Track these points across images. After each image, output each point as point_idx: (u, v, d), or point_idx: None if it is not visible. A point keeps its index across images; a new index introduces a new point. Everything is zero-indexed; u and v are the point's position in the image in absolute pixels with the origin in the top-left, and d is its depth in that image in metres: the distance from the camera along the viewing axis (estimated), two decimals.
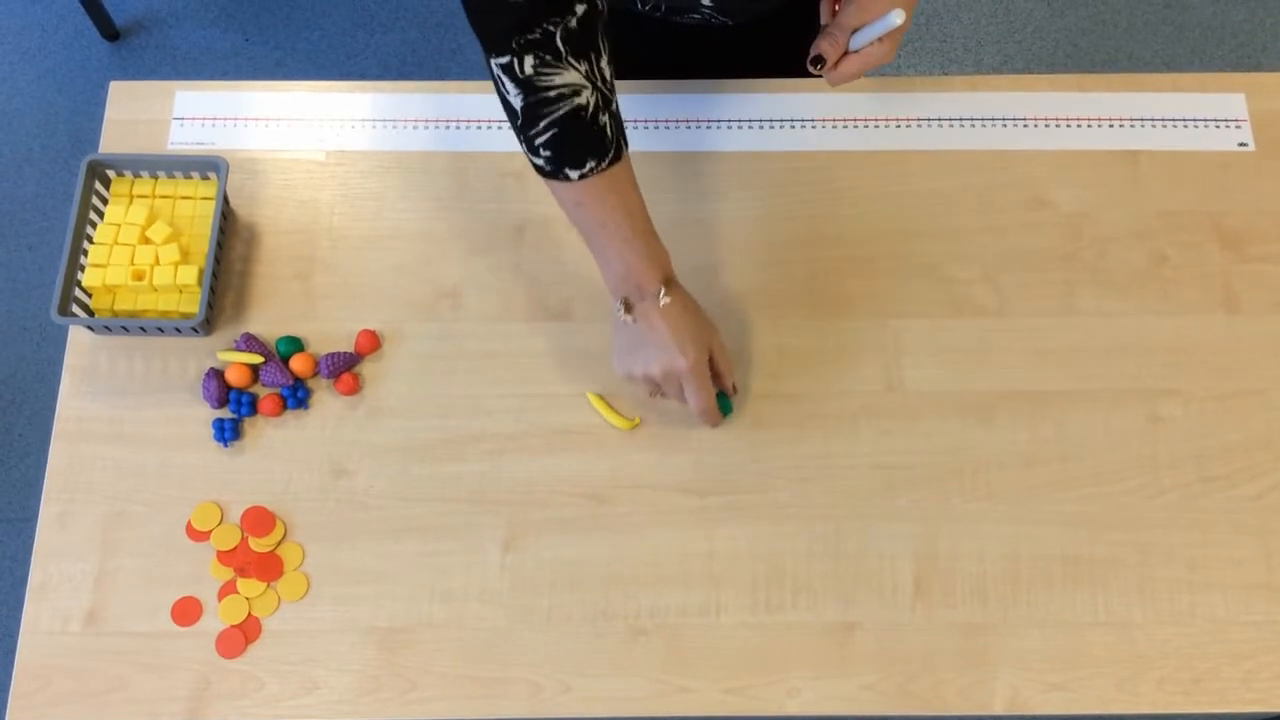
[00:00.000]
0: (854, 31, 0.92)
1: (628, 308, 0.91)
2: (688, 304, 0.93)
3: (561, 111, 0.82)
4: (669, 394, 0.95)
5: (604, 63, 0.84)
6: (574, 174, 0.85)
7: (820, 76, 0.95)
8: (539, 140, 0.84)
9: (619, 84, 0.87)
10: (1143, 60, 2.14)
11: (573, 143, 0.84)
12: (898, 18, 0.87)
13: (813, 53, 0.93)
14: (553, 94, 0.82)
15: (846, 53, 0.94)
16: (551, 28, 0.80)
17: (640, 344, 0.92)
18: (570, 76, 0.82)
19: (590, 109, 0.83)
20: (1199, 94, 1.13)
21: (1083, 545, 0.96)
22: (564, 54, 0.81)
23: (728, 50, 1.15)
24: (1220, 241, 1.07)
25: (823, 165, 1.09)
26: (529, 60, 0.80)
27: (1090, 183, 1.09)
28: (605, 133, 0.85)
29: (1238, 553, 0.96)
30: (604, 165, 0.85)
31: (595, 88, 0.83)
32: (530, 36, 0.79)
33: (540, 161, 0.86)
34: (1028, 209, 1.08)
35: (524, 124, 0.84)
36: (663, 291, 0.90)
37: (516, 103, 0.83)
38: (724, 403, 0.99)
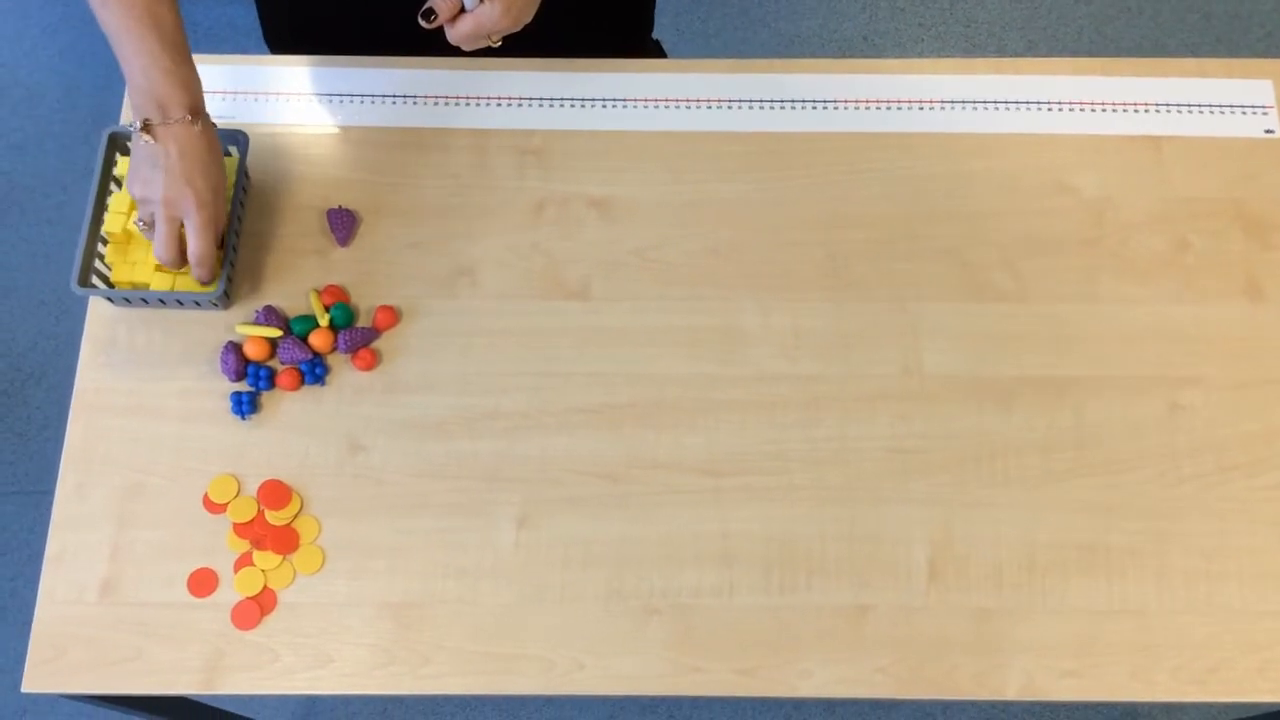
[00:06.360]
0: None
1: (146, 128, 0.89)
2: (213, 143, 0.90)
3: None
4: (163, 226, 0.92)
5: None
6: None
7: (431, 29, 0.93)
8: None
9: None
10: (1168, 48, 2.12)
11: None
12: None
13: (426, 5, 0.92)
14: None
15: (464, 11, 0.92)
16: None
17: (152, 165, 0.89)
18: None
19: None
20: (1225, 80, 1.11)
21: (1099, 533, 0.96)
22: None
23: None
24: (1244, 229, 1.06)
25: (843, 147, 1.09)
26: None
27: (1113, 168, 1.08)
28: None
29: (1255, 542, 0.96)
30: None
31: None
32: None
33: None
34: (1050, 194, 1.07)
35: None
36: (189, 119, 0.87)
37: None
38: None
